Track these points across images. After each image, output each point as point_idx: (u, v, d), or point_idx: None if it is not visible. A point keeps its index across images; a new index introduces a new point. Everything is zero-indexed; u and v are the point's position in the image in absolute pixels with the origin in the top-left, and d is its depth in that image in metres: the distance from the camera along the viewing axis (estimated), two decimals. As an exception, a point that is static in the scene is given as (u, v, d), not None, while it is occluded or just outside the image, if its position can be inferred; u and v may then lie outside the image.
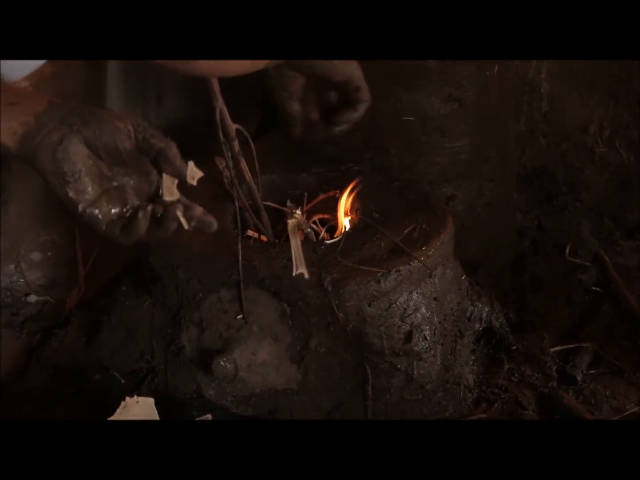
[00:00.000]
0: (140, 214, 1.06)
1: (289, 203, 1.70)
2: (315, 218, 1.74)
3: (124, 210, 1.09)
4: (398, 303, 1.55)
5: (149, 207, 1.08)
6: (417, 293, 1.57)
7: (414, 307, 1.56)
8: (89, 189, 1.05)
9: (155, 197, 1.11)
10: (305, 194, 1.76)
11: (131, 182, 1.10)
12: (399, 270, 1.53)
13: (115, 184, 1.08)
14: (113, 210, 1.08)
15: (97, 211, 1.06)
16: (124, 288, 1.72)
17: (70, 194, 1.04)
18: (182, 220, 1.08)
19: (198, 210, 1.10)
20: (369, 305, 1.53)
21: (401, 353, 1.56)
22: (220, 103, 1.48)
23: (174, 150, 1.08)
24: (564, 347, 1.78)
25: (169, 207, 1.07)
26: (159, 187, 1.10)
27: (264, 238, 1.65)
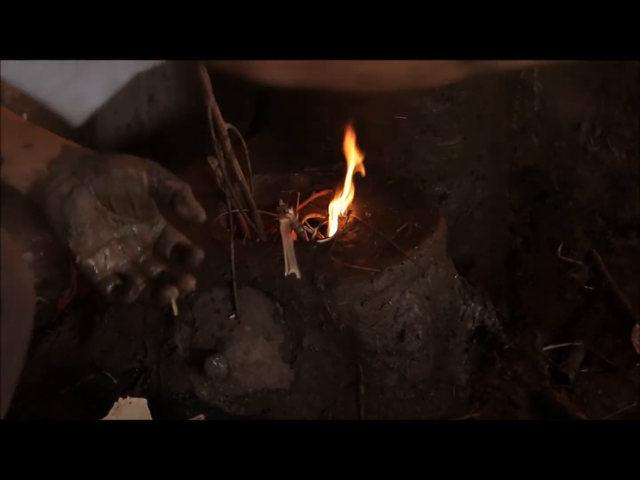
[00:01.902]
0: (131, 292, 1.06)
1: (281, 202, 1.70)
2: (308, 217, 1.74)
3: (120, 265, 1.09)
4: (391, 302, 1.55)
5: (141, 285, 1.07)
6: (409, 292, 1.57)
7: (406, 307, 1.56)
8: (90, 242, 1.06)
9: (151, 254, 1.12)
10: (298, 193, 1.76)
11: (134, 229, 1.10)
12: (391, 270, 1.54)
13: (115, 234, 1.09)
14: (109, 265, 1.08)
15: (93, 262, 1.07)
16: (117, 288, 1.72)
17: (71, 245, 1.04)
18: (174, 307, 1.09)
19: (191, 284, 1.09)
20: (362, 304, 1.53)
21: (394, 352, 1.56)
22: (212, 102, 1.47)
23: (189, 192, 1.08)
24: (557, 346, 1.78)
25: (164, 293, 1.07)
26: (159, 237, 1.11)
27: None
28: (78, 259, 1.05)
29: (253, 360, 1.56)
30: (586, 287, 1.98)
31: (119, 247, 1.09)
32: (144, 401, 1.45)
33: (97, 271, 1.07)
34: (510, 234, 2.17)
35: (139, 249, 1.11)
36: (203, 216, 1.09)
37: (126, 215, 1.08)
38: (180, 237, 1.12)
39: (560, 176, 2.26)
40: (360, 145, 1.79)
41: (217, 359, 1.52)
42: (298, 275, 1.49)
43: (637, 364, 1.73)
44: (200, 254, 1.10)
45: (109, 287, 1.08)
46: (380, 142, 1.85)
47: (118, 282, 1.08)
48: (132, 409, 1.43)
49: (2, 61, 0.65)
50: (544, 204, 2.24)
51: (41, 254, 2.01)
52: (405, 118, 1.84)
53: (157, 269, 1.10)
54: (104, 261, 1.07)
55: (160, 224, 1.12)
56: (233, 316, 1.56)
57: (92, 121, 2.30)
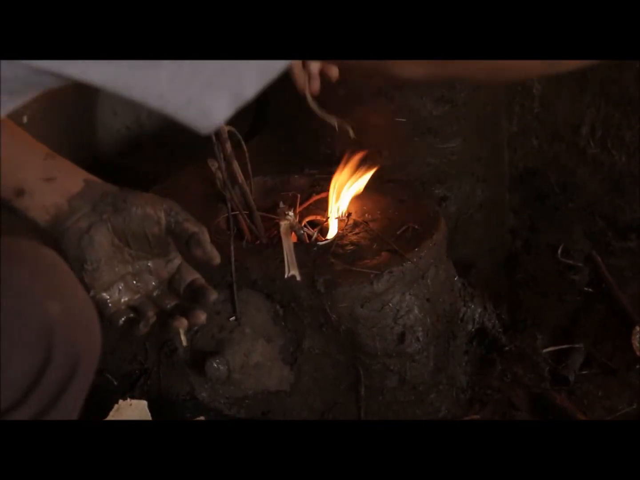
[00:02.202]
0: (142, 324, 1.07)
1: (281, 204, 1.70)
2: (308, 219, 1.74)
3: (134, 298, 1.11)
4: (391, 304, 1.55)
5: (152, 319, 1.09)
6: (409, 294, 1.57)
7: (406, 309, 1.56)
8: (105, 277, 1.07)
9: (166, 288, 1.13)
10: (298, 195, 1.76)
11: (149, 264, 1.11)
12: (391, 272, 1.53)
13: (130, 269, 1.10)
14: (123, 299, 1.09)
15: (107, 296, 1.08)
16: (117, 290, 1.72)
17: (86, 279, 1.06)
18: (183, 337, 1.10)
19: (202, 318, 1.11)
20: (362, 306, 1.53)
21: (394, 354, 1.56)
22: (212, 104, 1.47)
23: (205, 236, 1.09)
24: (557, 347, 1.78)
25: (172, 323, 1.08)
26: (174, 273, 1.13)
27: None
28: (92, 292, 1.06)
29: (253, 362, 1.56)
30: (586, 288, 1.98)
31: (134, 282, 1.11)
32: (144, 403, 1.45)
33: (110, 305, 1.08)
34: (510, 236, 2.17)
35: (153, 283, 1.12)
36: (217, 260, 1.11)
37: (142, 252, 1.10)
38: (194, 275, 1.14)
39: (560, 178, 2.27)
40: (361, 147, 1.80)
41: (217, 360, 1.52)
42: (298, 278, 1.49)
43: (637, 366, 1.73)
44: (213, 295, 1.12)
45: (121, 320, 1.09)
46: (380, 144, 1.85)
47: (131, 315, 1.09)
48: (133, 410, 1.43)
49: (127, 82, 0.66)
50: (543, 205, 2.24)
51: None
52: (405, 120, 1.84)
53: (170, 303, 1.12)
54: (117, 295, 1.09)
55: (176, 261, 1.13)
56: (233, 318, 1.56)
57: (93, 123, 2.30)
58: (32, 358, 0.93)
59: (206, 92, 0.67)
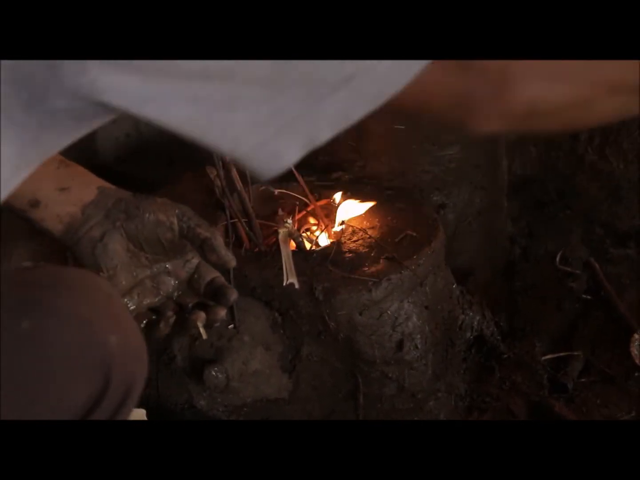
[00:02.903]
0: (162, 324, 1.09)
1: (280, 212, 1.70)
2: (306, 227, 1.74)
3: (156, 300, 1.12)
4: (389, 312, 1.55)
5: (172, 318, 1.10)
6: (408, 302, 1.57)
7: (405, 316, 1.56)
8: (123, 282, 1.08)
9: (186, 287, 1.14)
10: (297, 202, 1.76)
11: (167, 266, 1.12)
12: (389, 279, 1.54)
13: (149, 272, 1.11)
14: (144, 302, 1.11)
15: (128, 302, 1.08)
16: (115, 297, 1.72)
17: None
18: (202, 330, 1.11)
19: (221, 314, 1.12)
20: (360, 314, 1.53)
21: (392, 362, 1.56)
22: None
23: (219, 240, 1.10)
24: (555, 355, 1.78)
25: (190, 317, 1.09)
26: (193, 273, 1.14)
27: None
28: None
29: (252, 370, 1.56)
30: (584, 296, 1.98)
31: (153, 284, 1.12)
32: (142, 412, 1.44)
33: (132, 308, 1.09)
34: (509, 244, 2.16)
35: (173, 284, 1.13)
36: (233, 263, 1.12)
37: (158, 255, 1.10)
38: (214, 274, 1.15)
39: (558, 186, 2.26)
40: (360, 154, 1.80)
41: (215, 369, 1.52)
42: (297, 285, 1.49)
43: (636, 374, 1.73)
44: (234, 295, 1.13)
45: (143, 323, 1.09)
46: (378, 152, 1.85)
47: (153, 317, 1.10)
48: (131, 419, 1.43)
49: (204, 127, 0.64)
50: (542, 213, 2.24)
51: (41, 263, 2.00)
52: (403, 127, 1.84)
53: (191, 302, 1.13)
54: (138, 298, 1.10)
55: (194, 260, 1.14)
56: (232, 326, 1.56)
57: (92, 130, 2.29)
58: (91, 387, 0.94)
59: (281, 135, 0.66)
